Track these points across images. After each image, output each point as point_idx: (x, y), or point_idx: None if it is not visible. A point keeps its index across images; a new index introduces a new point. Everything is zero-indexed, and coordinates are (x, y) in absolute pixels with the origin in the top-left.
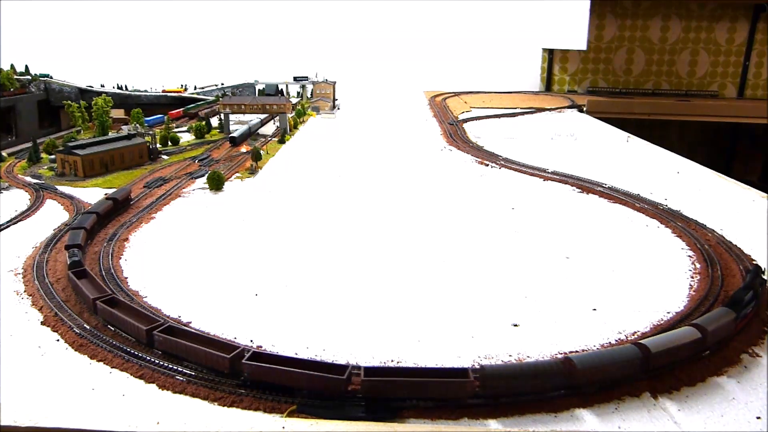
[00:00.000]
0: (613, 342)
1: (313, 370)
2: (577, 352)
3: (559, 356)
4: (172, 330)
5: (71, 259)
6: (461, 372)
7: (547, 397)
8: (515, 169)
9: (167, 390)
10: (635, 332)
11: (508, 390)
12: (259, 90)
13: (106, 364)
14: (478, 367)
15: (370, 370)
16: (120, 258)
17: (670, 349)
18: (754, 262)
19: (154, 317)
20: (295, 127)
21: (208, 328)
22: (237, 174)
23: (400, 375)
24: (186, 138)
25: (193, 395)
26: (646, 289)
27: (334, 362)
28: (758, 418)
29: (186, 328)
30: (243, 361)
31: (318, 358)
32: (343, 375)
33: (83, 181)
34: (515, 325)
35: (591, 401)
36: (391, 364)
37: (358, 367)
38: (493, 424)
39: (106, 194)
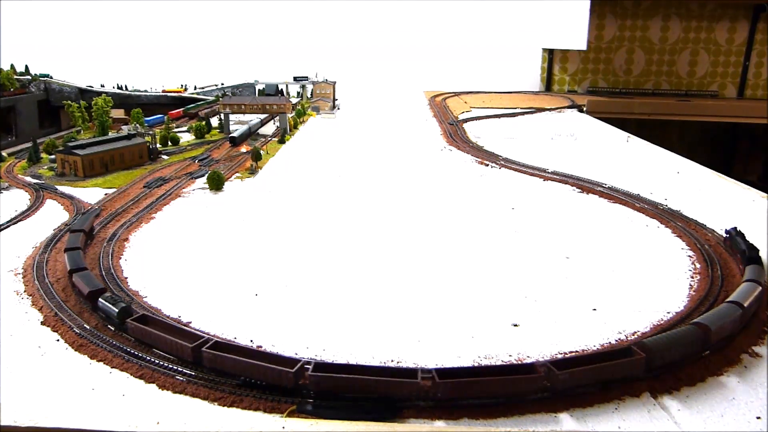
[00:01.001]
0: (613, 342)
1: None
2: (577, 352)
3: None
4: (218, 345)
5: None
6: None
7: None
8: (515, 169)
9: (167, 390)
10: (635, 332)
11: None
12: (259, 90)
13: (106, 364)
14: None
15: (442, 373)
16: (120, 258)
17: (723, 325)
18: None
19: (195, 333)
20: (295, 127)
21: (208, 328)
22: (237, 174)
23: (472, 375)
24: (186, 138)
25: (193, 395)
26: (646, 289)
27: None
28: (758, 418)
29: (232, 343)
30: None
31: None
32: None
33: (83, 181)
34: (515, 325)
35: (591, 401)
36: (391, 365)
37: (309, 362)
38: (493, 423)
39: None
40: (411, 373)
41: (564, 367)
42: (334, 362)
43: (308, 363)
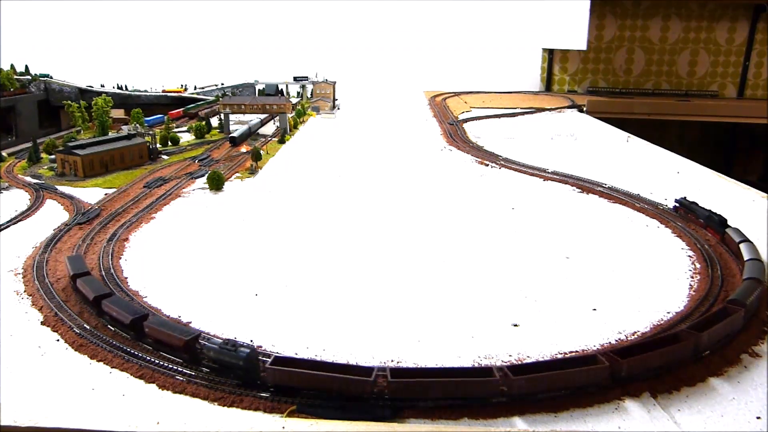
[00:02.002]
0: (613, 342)
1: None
2: (576, 351)
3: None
4: (283, 361)
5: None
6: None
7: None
8: (515, 169)
9: (167, 390)
10: (635, 332)
11: None
12: (259, 90)
13: (106, 364)
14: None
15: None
16: (120, 258)
17: (752, 301)
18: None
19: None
20: (295, 127)
21: (208, 328)
22: (237, 174)
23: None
24: (186, 138)
25: (193, 395)
26: (646, 289)
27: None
28: (758, 418)
29: (293, 357)
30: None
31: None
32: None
33: (83, 181)
34: (515, 325)
35: (591, 401)
36: (391, 364)
37: (383, 369)
38: (493, 424)
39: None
40: (486, 372)
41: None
42: (409, 368)
43: (382, 370)
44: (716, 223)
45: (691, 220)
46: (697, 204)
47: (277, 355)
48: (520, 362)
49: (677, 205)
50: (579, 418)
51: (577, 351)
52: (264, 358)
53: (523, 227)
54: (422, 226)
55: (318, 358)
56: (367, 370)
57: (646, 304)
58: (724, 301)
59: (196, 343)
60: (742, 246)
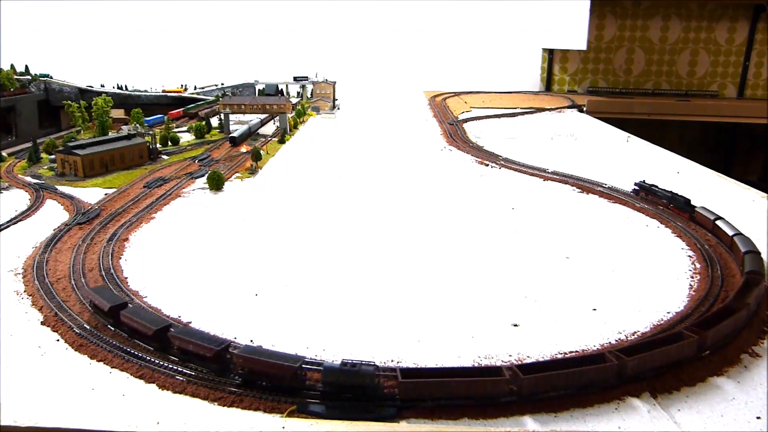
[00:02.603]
0: (613, 342)
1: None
2: (577, 351)
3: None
4: (411, 373)
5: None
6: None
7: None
8: (515, 169)
9: (167, 390)
10: (635, 332)
11: None
12: (259, 90)
13: (106, 364)
14: None
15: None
16: (120, 258)
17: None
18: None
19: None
20: (295, 127)
21: (208, 328)
22: (237, 174)
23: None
24: (186, 138)
25: (193, 395)
26: (646, 289)
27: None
28: (758, 418)
29: (418, 368)
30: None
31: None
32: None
33: (83, 181)
34: (515, 325)
35: (591, 401)
36: (392, 364)
37: (510, 367)
38: (493, 424)
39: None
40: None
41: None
42: (537, 361)
43: (509, 368)
44: (681, 203)
45: (653, 201)
46: (656, 186)
47: (402, 367)
48: (520, 362)
49: (637, 188)
50: (579, 418)
51: (577, 351)
52: (389, 373)
53: (523, 227)
54: (422, 226)
55: (441, 365)
56: (496, 370)
57: (646, 304)
58: (744, 273)
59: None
60: (718, 222)
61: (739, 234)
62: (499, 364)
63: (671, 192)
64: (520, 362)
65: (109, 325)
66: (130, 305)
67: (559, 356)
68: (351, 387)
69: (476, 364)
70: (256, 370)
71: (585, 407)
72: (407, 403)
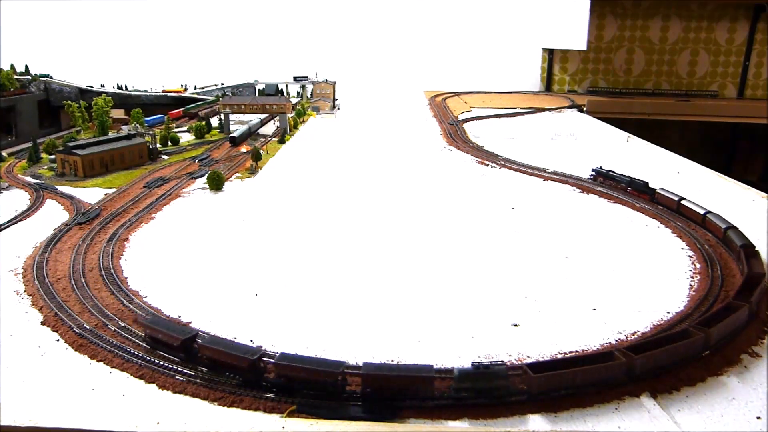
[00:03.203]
0: (613, 342)
1: None
2: (577, 352)
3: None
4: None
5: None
6: None
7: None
8: (515, 169)
9: (167, 390)
10: (635, 332)
11: None
12: (259, 90)
13: (106, 364)
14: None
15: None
16: (120, 258)
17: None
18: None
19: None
20: (295, 127)
21: (209, 328)
22: (237, 174)
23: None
24: (186, 138)
25: (193, 395)
26: (646, 289)
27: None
28: (758, 418)
29: (546, 360)
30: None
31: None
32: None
33: (83, 181)
34: (515, 325)
35: (591, 401)
36: (391, 363)
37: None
38: (493, 424)
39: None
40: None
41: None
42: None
43: (621, 353)
44: (641, 186)
45: (612, 186)
46: (613, 171)
47: (528, 363)
48: (520, 362)
49: (594, 174)
50: (579, 418)
51: (577, 351)
52: (517, 371)
53: (523, 227)
54: (422, 226)
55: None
56: (609, 355)
57: (646, 304)
58: (739, 247)
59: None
60: (683, 202)
61: (710, 212)
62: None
63: (629, 176)
64: (519, 361)
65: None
66: (203, 334)
67: (574, 354)
68: (484, 390)
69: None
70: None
71: (585, 407)
72: (537, 397)
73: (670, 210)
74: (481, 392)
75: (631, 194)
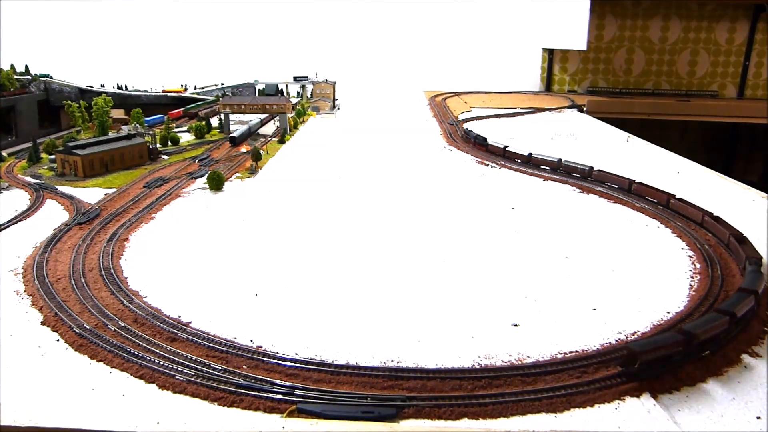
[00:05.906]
0: (613, 342)
1: None
2: (577, 352)
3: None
4: None
5: None
6: None
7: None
8: (515, 169)
9: (167, 390)
10: (635, 332)
11: None
12: (259, 90)
13: (106, 364)
14: None
15: None
16: (120, 258)
17: None
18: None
19: None
20: (295, 127)
21: (208, 328)
22: (237, 174)
23: None
24: (186, 138)
25: (193, 395)
26: (646, 289)
27: None
28: (758, 418)
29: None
30: None
31: None
32: None
33: (83, 181)
34: (515, 325)
35: (591, 401)
36: (391, 364)
37: None
38: (493, 423)
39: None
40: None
41: None
42: None
43: None
44: (481, 139)
45: (466, 140)
46: (471, 131)
47: None
48: (520, 362)
49: (466, 134)
50: (579, 418)
51: (577, 351)
52: None
53: (523, 227)
54: (422, 226)
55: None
56: None
57: (646, 304)
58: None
59: None
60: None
61: (533, 154)
62: (499, 363)
63: (475, 133)
64: (518, 361)
65: None
66: None
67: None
68: None
69: (476, 365)
70: None
71: (585, 407)
72: None
73: (497, 156)
74: None
75: (477, 148)
